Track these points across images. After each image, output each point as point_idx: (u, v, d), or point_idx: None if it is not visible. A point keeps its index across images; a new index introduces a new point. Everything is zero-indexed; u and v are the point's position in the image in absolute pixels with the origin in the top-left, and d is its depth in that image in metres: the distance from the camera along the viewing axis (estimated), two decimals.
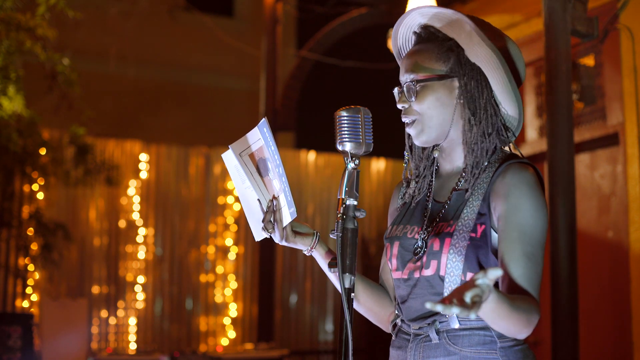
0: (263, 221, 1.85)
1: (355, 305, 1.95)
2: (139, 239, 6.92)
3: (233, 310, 7.24)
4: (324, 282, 7.56)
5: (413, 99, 1.83)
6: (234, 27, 9.83)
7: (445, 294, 1.74)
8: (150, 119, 9.17)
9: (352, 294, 1.64)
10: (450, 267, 1.74)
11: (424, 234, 1.82)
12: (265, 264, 6.95)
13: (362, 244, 7.54)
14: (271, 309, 6.93)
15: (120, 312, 6.81)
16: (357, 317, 1.88)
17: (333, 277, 1.94)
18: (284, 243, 1.88)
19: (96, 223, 6.80)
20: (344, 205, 1.68)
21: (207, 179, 7.28)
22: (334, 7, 7.22)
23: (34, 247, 5.70)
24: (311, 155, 7.77)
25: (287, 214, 1.83)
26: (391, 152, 7.24)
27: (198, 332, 7.15)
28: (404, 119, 1.88)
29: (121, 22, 8.30)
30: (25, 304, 6.16)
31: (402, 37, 1.95)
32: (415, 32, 1.91)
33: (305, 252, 1.92)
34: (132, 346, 6.73)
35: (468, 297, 1.37)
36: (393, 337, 1.88)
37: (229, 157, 1.89)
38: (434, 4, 4.69)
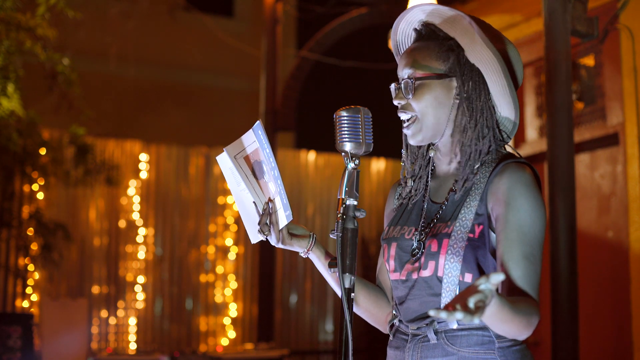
0: (259, 224, 1.85)
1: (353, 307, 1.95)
2: (139, 239, 6.92)
3: (233, 310, 7.24)
4: (324, 282, 7.53)
5: (410, 96, 1.83)
6: (234, 27, 9.83)
7: (443, 295, 1.74)
8: (150, 119, 9.16)
9: (352, 294, 1.64)
10: (448, 268, 1.73)
11: (421, 235, 1.81)
12: (265, 264, 6.95)
13: (362, 244, 7.54)
14: (271, 309, 6.93)
15: (120, 312, 6.81)
16: (357, 317, 1.88)
17: (331, 279, 1.94)
18: (280, 245, 1.87)
19: (96, 223, 6.80)
20: (344, 205, 1.68)
21: (207, 179, 7.28)
22: (334, 7, 7.22)
23: (34, 247, 5.70)
24: (311, 155, 7.77)
25: (283, 217, 1.82)
26: (391, 152, 7.22)
27: (198, 332, 7.15)
28: (400, 115, 1.87)
29: (121, 22, 8.29)
30: (25, 304, 6.16)
31: (401, 32, 1.94)
32: (415, 29, 1.90)
33: (302, 255, 1.92)
34: (132, 346, 6.73)
35: (472, 303, 1.36)
36: (390, 338, 1.88)
37: (224, 160, 1.87)
38: (435, 2, 4.68)
